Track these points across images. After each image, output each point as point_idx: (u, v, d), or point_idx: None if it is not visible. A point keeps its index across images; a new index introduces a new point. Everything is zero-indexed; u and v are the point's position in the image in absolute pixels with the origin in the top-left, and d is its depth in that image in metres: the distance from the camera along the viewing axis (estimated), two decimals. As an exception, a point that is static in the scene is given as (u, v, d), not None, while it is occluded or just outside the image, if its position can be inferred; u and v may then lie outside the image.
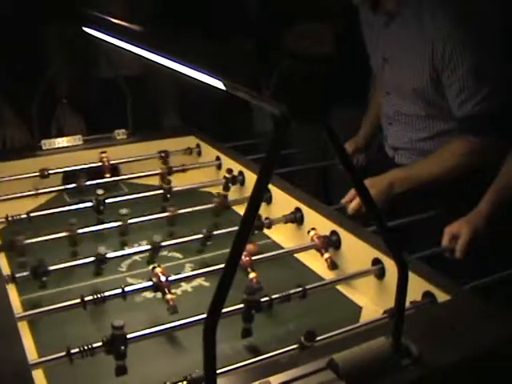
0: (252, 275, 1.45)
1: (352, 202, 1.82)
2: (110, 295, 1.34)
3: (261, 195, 0.84)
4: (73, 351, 1.13)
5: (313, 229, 1.63)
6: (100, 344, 1.14)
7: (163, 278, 1.38)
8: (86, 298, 1.32)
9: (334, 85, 0.85)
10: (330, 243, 1.60)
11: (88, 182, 2.08)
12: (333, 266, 1.57)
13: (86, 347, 1.13)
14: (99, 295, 1.32)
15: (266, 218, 1.76)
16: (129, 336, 1.16)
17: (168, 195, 1.99)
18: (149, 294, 1.51)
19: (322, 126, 0.86)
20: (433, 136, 1.96)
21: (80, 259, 1.57)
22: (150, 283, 1.38)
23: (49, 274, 1.49)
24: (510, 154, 1.60)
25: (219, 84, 1.03)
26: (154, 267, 1.42)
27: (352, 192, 1.84)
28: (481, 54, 1.76)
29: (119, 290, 1.35)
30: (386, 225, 0.99)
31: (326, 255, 1.58)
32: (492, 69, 1.79)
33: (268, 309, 1.30)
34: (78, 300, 1.31)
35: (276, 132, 0.84)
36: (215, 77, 1.02)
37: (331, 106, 0.85)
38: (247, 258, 1.47)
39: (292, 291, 1.33)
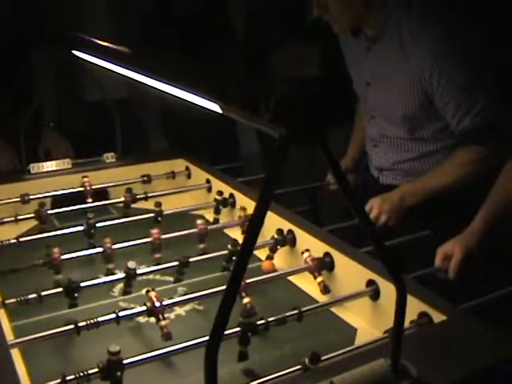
0: (246, 300, 1.44)
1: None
2: (103, 320, 1.32)
3: (262, 216, 0.84)
4: (68, 378, 1.11)
5: (307, 250, 1.62)
6: (96, 370, 1.13)
7: (157, 304, 1.36)
8: (80, 324, 1.30)
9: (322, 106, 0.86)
10: (324, 265, 1.59)
11: (76, 207, 2.07)
12: (325, 290, 1.55)
13: (81, 373, 1.12)
14: (93, 321, 1.31)
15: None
16: (125, 361, 1.14)
17: (159, 218, 1.98)
18: (142, 319, 1.49)
19: (320, 148, 0.86)
20: (417, 157, 1.98)
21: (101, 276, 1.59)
22: (144, 308, 1.36)
23: (80, 291, 1.49)
24: (502, 171, 1.61)
25: (215, 107, 1.03)
26: (148, 291, 1.40)
27: (368, 206, 1.89)
28: (469, 70, 1.78)
29: (113, 315, 1.33)
30: (383, 245, 0.99)
31: (319, 279, 1.56)
32: (483, 80, 1.81)
33: (264, 332, 1.29)
34: (72, 326, 1.29)
35: (276, 154, 0.84)
36: (212, 100, 1.02)
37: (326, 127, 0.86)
38: (242, 283, 1.45)
39: (288, 314, 1.32)
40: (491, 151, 1.79)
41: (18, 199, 2.11)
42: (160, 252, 1.77)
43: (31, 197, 2.11)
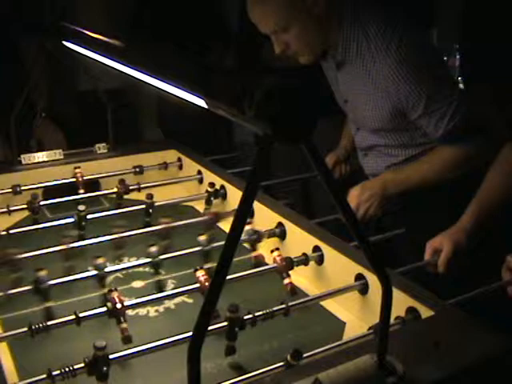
0: None
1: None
2: (60, 322, 1.30)
3: (245, 216, 0.83)
4: (54, 373, 1.11)
5: (277, 249, 1.57)
6: (82, 365, 1.12)
7: (119, 305, 1.31)
8: (33, 327, 1.26)
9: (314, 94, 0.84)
10: (293, 265, 1.53)
11: (67, 198, 2.06)
12: (293, 292, 1.50)
13: (67, 368, 1.11)
14: (43, 324, 1.27)
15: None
16: (111, 356, 1.14)
17: (150, 210, 1.97)
18: (131, 312, 1.48)
19: (305, 147, 0.85)
20: (407, 159, 1.98)
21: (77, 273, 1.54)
22: (104, 309, 1.31)
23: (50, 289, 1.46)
24: (491, 167, 1.61)
25: (201, 102, 1.02)
26: (111, 290, 1.35)
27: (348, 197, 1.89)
28: (434, 79, 1.79)
29: (73, 317, 1.30)
30: (367, 240, 0.98)
31: (287, 280, 1.51)
32: (449, 86, 1.83)
33: (251, 326, 1.28)
34: (26, 329, 1.26)
35: (259, 152, 0.83)
36: (197, 95, 1.01)
37: (315, 123, 0.84)
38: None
39: (275, 308, 1.31)
40: (471, 151, 1.80)
41: (9, 190, 2.10)
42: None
43: (23, 188, 2.11)
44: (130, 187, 2.14)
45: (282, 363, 1.15)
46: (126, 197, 2.14)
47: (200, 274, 1.42)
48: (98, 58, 1.56)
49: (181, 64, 1.13)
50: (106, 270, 1.56)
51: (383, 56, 1.76)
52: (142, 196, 2.08)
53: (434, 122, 1.79)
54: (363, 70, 1.83)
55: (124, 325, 1.30)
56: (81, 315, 1.30)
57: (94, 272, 1.54)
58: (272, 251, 1.56)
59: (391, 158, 1.99)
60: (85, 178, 2.19)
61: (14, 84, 2.36)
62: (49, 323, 1.28)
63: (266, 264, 1.67)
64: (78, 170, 2.20)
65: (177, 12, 2.88)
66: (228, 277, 1.39)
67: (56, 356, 1.34)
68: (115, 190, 2.13)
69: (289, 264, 1.52)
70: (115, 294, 1.33)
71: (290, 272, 1.61)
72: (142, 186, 2.16)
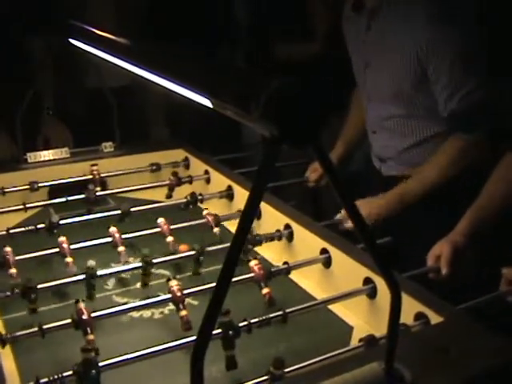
0: (183, 313, 1.38)
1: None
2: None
3: (251, 219, 0.81)
4: (42, 381, 1.09)
5: (255, 258, 1.52)
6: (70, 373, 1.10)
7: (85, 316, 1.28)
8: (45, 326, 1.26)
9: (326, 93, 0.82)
10: (271, 275, 1.48)
11: (75, 197, 2.05)
12: (271, 302, 1.44)
13: (56, 376, 1.09)
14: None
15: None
16: (113, 360, 1.12)
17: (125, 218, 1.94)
18: (135, 314, 1.47)
19: (313, 149, 0.83)
20: (418, 143, 1.95)
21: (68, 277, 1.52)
22: (69, 320, 1.29)
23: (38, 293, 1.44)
24: (493, 173, 1.59)
25: (208, 102, 0.99)
26: (77, 301, 1.32)
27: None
28: (465, 46, 1.78)
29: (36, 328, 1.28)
30: (376, 245, 0.96)
31: (265, 290, 1.45)
32: (476, 60, 1.81)
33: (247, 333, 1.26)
34: (36, 329, 1.26)
35: (266, 154, 0.80)
36: (203, 95, 0.99)
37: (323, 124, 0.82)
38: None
39: (272, 315, 1.29)
40: (477, 141, 1.78)
41: (16, 188, 2.09)
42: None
43: (27, 186, 2.10)
44: (182, 179, 2.18)
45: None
46: (130, 196, 2.14)
47: (173, 283, 1.40)
48: (104, 56, 1.54)
49: (188, 63, 1.11)
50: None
51: (423, 5, 1.79)
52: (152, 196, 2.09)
53: (448, 91, 1.78)
54: (397, 18, 1.84)
55: (90, 336, 1.26)
56: (44, 327, 1.27)
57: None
58: (249, 260, 1.50)
59: (403, 138, 1.96)
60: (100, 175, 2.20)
61: (18, 81, 2.34)
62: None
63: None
64: (94, 168, 2.21)
65: (184, 11, 2.86)
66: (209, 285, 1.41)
67: (57, 357, 1.33)
68: (167, 182, 2.17)
69: (267, 274, 1.47)
70: (82, 306, 1.30)
71: (299, 275, 1.59)
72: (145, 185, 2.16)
